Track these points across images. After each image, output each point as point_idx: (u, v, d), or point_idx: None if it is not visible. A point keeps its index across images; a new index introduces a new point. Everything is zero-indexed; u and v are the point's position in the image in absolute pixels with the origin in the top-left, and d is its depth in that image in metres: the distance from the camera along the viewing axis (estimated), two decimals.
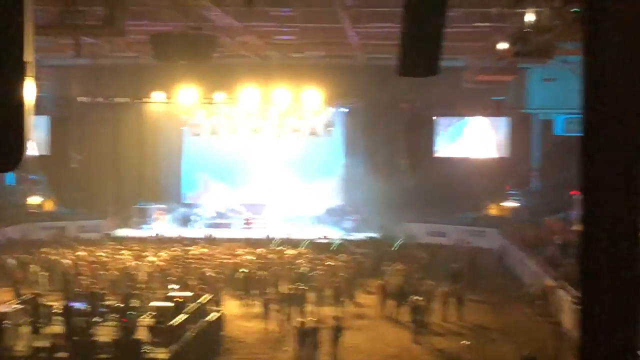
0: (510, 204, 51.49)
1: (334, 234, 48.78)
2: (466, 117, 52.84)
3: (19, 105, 3.09)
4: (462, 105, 51.04)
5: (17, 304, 25.47)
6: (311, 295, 29.97)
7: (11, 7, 3.02)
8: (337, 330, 24.46)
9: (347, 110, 55.56)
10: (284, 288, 30.26)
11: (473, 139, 52.92)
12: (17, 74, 3.11)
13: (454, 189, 49.65)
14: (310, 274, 33.40)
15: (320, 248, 41.31)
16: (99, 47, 40.51)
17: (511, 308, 31.19)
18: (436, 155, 52.57)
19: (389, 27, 31.41)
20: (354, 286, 33.46)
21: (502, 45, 31.31)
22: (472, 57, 43.42)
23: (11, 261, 37.38)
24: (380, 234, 49.79)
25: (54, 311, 24.82)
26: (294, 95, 52.14)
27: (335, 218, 53.68)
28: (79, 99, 52.18)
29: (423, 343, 26.25)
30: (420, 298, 27.78)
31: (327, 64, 48.62)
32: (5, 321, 22.71)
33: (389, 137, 52.58)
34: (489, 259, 41.91)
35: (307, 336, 23.54)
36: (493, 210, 51.80)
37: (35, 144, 51.94)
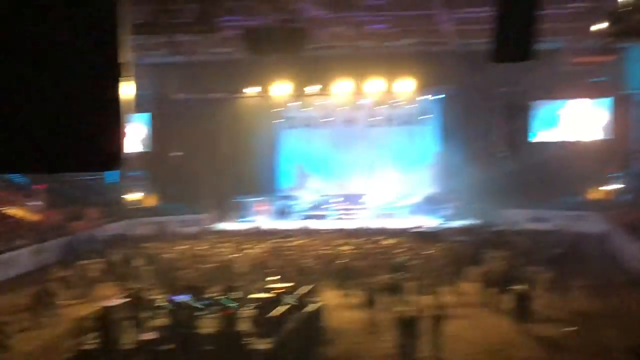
0: (611, 187, 50.26)
1: (432, 223, 48.44)
2: (565, 100, 51.63)
3: (116, 105, 3.12)
4: (560, 88, 49.90)
5: (122, 298, 26.08)
6: (410, 285, 29.75)
7: (105, 8, 3.05)
8: (438, 320, 24.25)
9: (442, 97, 55.04)
10: (383, 278, 30.13)
11: (572, 122, 51.72)
12: (113, 74, 3.13)
13: (553, 174, 48.75)
14: (409, 263, 33.20)
15: (419, 237, 40.97)
16: (193, 44, 41.14)
17: (617, 293, 30.33)
18: (535, 140, 51.51)
19: (483, 12, 30.96)
20: (454, 274, 33.12)
21: (600, 26, 30.45)
22: (570, 38, 42.44)
23: (115, 257, 38.42)
24: (479, 221, 49.23)
25: (157, 305, 25.32)
26: (387, 84, 51.97)
27: (433, 206, 53.27)
28: (177, 95, 53.08)
29: (526, 331, 25.82)
30: (523, 285, 27.29)
31: (420, 51, 48.22)
32: (111, 316, 23.29)
33: (486, 123, 51.86)
34: (591, 243, 40.87)
35: (407, 326, 23.39)
36: (594, 194, 50.65)
37: (135, 142, 53.17)
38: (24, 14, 2.97)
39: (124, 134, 3.23)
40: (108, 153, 3.15)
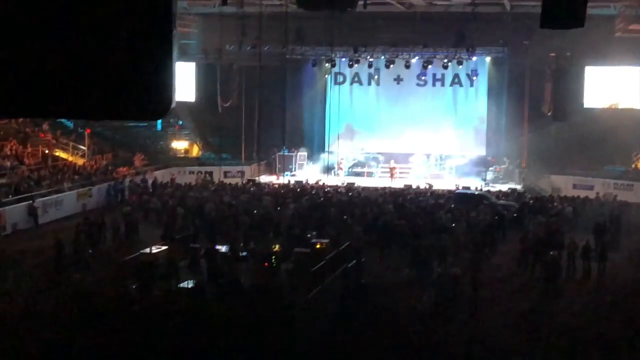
0: None
1: (477, 185, 48.17)
2: (617, 67, 50.64)
3: (169, 53, 3.10)
4: (613, 54, 48.91)
5: (164, 245, 26.34)
6: (451, 246, 29.67)
7: None
8: (475, 282, 24.23)
9: (492, 59, 54.38)
10: (425, 239, 30.07)
11: (624, 89, 50.74)
12: (167, 23, 3.12)
13: (601, 141, 48.06)
14: (453, 225, 33.08)
15: (462, 199, 40.69)
16: None
17: None
18: (585, 105, 50.69)
19: None
20: (495, 238, 32.97)
21: None
22: (625, 5, 41.57)
23: (159, 204, 38.83)
24: (523, 185, 48.88)
25: (198, 253, 25.53)
26: (436, 44, 51.56)
27: (478, 168, 52.91)
28: (226, 46, 53.05)
29: (556, 298, 25.57)
30: (555, 253, 26.91)
31: (471, 12, 47.50)
32: (151, 262, 23.56)
33: (536, 87, 51.18)
34: (637, 213, 40.33)
35: (444, 286, 23.43)
36: None
37: (180, 91, 53.35)
38: None
39: (174, 83, 3.22)
40: (158, 102, 3.13)
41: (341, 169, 53.97)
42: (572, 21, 8.84)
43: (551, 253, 26.84)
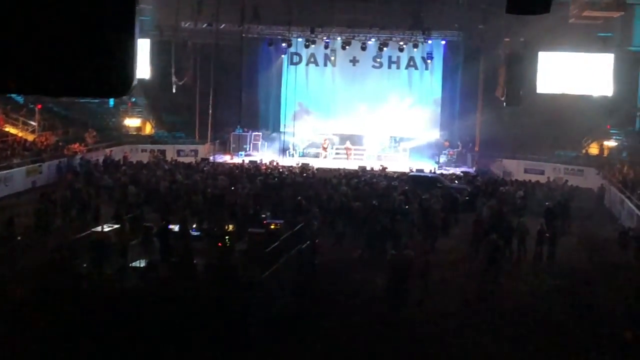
0: (611, 143, 50.25)
1: (429, 167, 48.47)
2: (570, 53, 51.21)
3: (131, 30, 3.02)
4: (567, 40, 49.48)
5: (115, 224, 26.08)
6: (405, 229, 29.78)
7: None
8: (427, 264, 24.37)
9: (447, 42, 54.65)
10: (378, 220, 30.14)
11: (576, 75, 51.35)
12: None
13: (553, 126, 48.71)
14: (405, 207, 33.21)
15: (416, 181, 40.89)
16: None
17: (607, 250, 30.33)
18: (538, 91, 51.22)
19: None
20: (448, 221, 33.21)
21: None
22: None
23: (110, 181, 38.42)
24: (475, 168, 49.32)
25: (150, 232, 25.30)
26: (392, 26, 51.66)
27: (432, 151, 53.32)
28: (182, 24, 52.58)
29: (500, 281, 25.74)
30: (494, 236, 27.01)
31: None
32: (102, 240, 23.30)
33: (490, 71, 51.56)
34: (586, 198, 40.95)
35: (398, 268, 23.51)
36: (593, 149, 50.69)
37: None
38: None
39: (136, 60, 3.14)
40: (120, 79, 3.06)
41: (325, 148, 53.81)
42: (538, 7, 8.85)
43: (491, 236, 26.83)
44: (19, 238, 25.94)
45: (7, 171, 39.03)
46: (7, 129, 47.57)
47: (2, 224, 27.02)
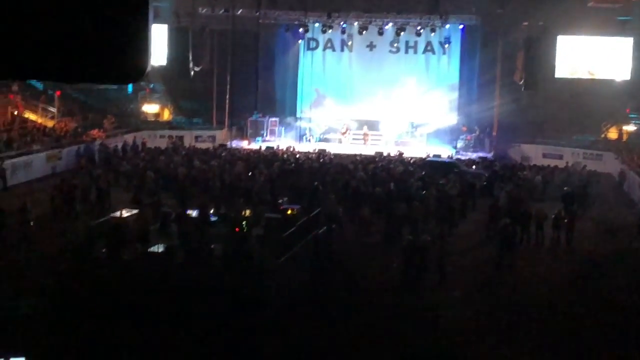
0: (630, 127, 49.90)
1: (447, 152, 48.35)
2: (590, 37, 50.81)
3: (145, 14, 3.06)
4: (586, 24, 49.07)
5: (133, 209, 26.23)
6: (422, 214, 29.75)
7: None
8: (445, 250, 24.39)
9: (465, 26, 54.37)
10: (395, 206, 30.13)
11: (595, 59, 50.98)
12: None
13: (572, 111, 48.36)
14: (422, 192, 33.14)
15: (433, 167, 40.80)
16: None
17: (626, 235, 30.06)
18: (556, 75, 50.89)
19: None
20: (465, 206, 33.15)
21: None
22: None
23: (129, 167, 38.55)
24: (493, 154, 49.15)
25: (168, 218, 25.44)
26: (409, 11, 51.52)
27: (449, 137, 53.16)
28: (199, 9, 52.61)
29: (509, 264, 25.65)
30: (507, 221, 26.86)
31: None
32: (120, 226, 23.45)
33: (508, 56, 51.22)
34: (605, 183, 40.72)
35: (415, 254, 23.54)
36: (612, 134, 50.36)
37: (153, 54, 52.78)
38: None
39: (150, 46, 3.18)
40: (134, 65, 3.10)
41: (344, 134, 53.70)
42: None
43: (505, 221, 26.72)
44: (31, 223, 25.99)
45: (27, 157, 39.26)
46: (26, 116, 47.83)
47: (16, 211, 27.06)
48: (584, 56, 50.95)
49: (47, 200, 30.88)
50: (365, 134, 53.40)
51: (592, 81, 50.69)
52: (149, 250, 22.56)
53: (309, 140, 53.69)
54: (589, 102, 48.36)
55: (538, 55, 47.57)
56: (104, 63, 3.15)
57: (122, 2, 3.08)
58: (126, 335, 17.93)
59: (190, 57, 49.92)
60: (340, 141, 53.36)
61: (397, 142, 52.35)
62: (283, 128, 55.27)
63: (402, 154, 46.98)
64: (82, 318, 18.71)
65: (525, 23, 49.95)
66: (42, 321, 18.58)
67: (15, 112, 46.87)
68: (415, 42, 55.37)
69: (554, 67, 50.80)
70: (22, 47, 3.07)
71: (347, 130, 53.97)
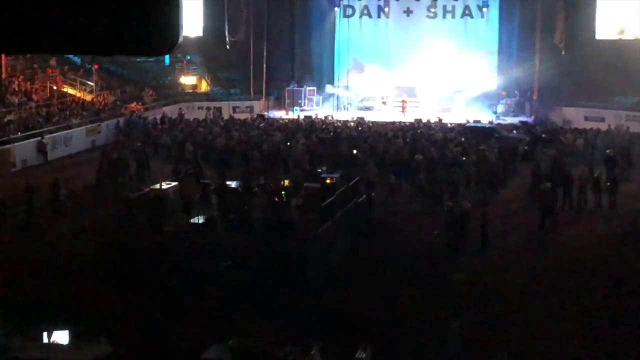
0: None
1: (487, 118, 47.92)
2: None
3: None
4: None
5: (173, 181, 26.36)
6: (462, 180, 29.57)
7: None
8: (485, 215, 24.21)
9: None
10: (435, 173, 29.95)
11: (635, 20, 49.98)
12: None
13: (613, 72, 47.44)
14: (463, 158, 32.88)
15: (473, 132, 40.45)
16: None
17: None
18: (597, 37, 50.05)
19: None
20: (507, 171, 32.87)
21: None
22: None
23: (168, 140, 38.73)
24: (534, 118, 48.61)
25: (208, 189, 25.52)
26: None
27: (488, 101, 52.58)
28: None
29: (551, 229, 25.42)
30: (548, 184, 26.58)
31: None
32: (161, 198, 23.59)
33: (547, 18, 50.45)
34: None
35: (457, 220, 23.42)
36: None
37: (189, 25, 52.86)
38: None
39: (182, 17, 3.08)
40: (165, 36, 3.01)
41: (385, 103, 53.34)
42: None
43: (546, 185, 26.50)
44: (62, 199, 26.18)
45: (67, 131, 39.63)
46: (65, 90, 48.18)
47: (49, 186, 27.32)
48: (625, 16, 49.97)
49: (88, 173, 31.17)
50: (403, 101, 52.98)
51: (633, 42, 49.75)
52: (190, 221, 22.69)
53: (347, 109, 53.47)
54: (631, 63, 47.48)
55: (578, 17, 46.84)
56: (134, 34, 3.08)
57: None
58: (168, 306, 18.08)
59: (226, 28, 49.89)
60: (381, 109, 52.96)
61: (436, 109, 51.94)
62: (321, 97, 55.10)
63: (442, 120, 46.64)
64: (125, 290, 18.89)
65: None
66: (85, 294, 18.79)
67: (54, 87, 47.21)
68: (453, 7, 54.77)
69: (594, 28, 49.95)
70: (55, 20, 3.01)
71: (386, 98, 53.58)
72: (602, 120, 45.84)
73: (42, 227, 24.94)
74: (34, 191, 26.36)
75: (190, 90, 56.17)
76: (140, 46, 3.15)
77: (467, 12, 54.90)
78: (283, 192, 24.21)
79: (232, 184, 25.97)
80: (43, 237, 23.92)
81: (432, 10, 54.86)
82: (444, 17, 55.27)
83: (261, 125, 44.50)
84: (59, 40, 3.05)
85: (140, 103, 48.28)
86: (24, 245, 23.15)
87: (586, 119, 47.30)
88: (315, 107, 53.78)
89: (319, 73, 56.71)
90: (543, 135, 39.97)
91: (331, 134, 40.08)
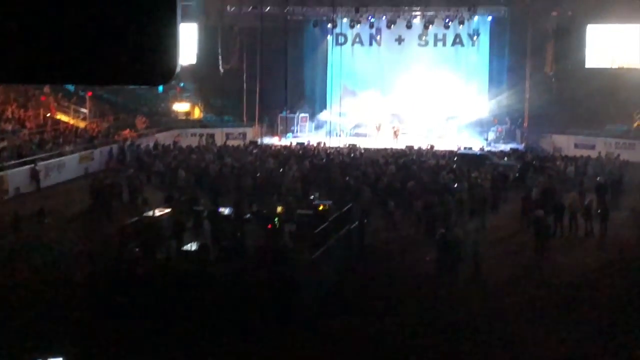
0: None
1: (478, 145, 48.13)
2: (619, 25, 50.22)
3: (173, 15, 3.09)
4: (615, 13, 48.50)
5: (166, 208, 26.35)
6: (454, 207, 29.66)
7: None
8: (478, 243, 24.29)
9: (493, 18, 54.10)
10: (426, 199, 30.05)
11: (625, 48, 50.43)
12: None
13: (603, 100, 47.78)
14: (454, 185, 33.04)
15: (464, 159, 40.64)
16: None
17: None
18: (586, 65, 50.43)
19: None
20: (498, 198, 32.98)
21: None
22: None
23: (161, 166, 38.79)
24: (524, 144, 48.86)
25: (201, 216, 25.54)
26: (437, 5, 51.38)
27: (480, 128, 52.88)
28: (227, 8, 52.79)
29: (545, 256, 25.52)
30: (540, 212, 26.73)
31: None
32: (153, 225, 23.58)
33: (537, 46, 50.88)
34: (638, 173, 40.25)
35: (449, 247, 23.49)
36: None
37: (182, 53, 53.02)
38: None
39: (179, 46, 3.19)
40: (163, 66, 3.12)
41: (379, 130, 53.42)
42: None
43: (537, 212, 26.66)
44: (46, 221, 26.38)
45: (60, 158, 39.62)
46: (58, 117, 48.24)
47: (34, 214, 27.72)
48: (614, 45, 50.38)
49: (80, 200, 31.19)
50: (394, 128, 53.19)
51: (623, 70, 50.12)
52: (182, 248, 22.67)
53: (340, 136, 53.67)
54: (621, 91, 47.81)
55: (568, 46, 47.20)
56: (132, 65, 3.18)
57: (150, 2, 3.12)
58: (160, 333, 18.07)
59: (220, 55, 50.09)
60: (372, 136, 53.13)
61: (427, 136, 52.15)
62: (313, 124, 55.32)
63: (433, 147, 46.86)
64: (118, 317, 18.88)
65: (554, 13, 49.57)
66: (79, 322, 18.77)
67: (48, 114, 47.28)
68: (444, 35, 55.21)
69: (584, 56, 50.37)
70: (52, 51, 3.11)
71: (380, 126, 53.79)
72: (593, 147, 46.11)
73: (31, 254, 24.91)
74: (19, 220, 26.63)
75: (184, 117, 56.31)
76: (138, 77, 3.26)
77: (457, 41, 55.33)
78: (276, 219, 24.25)
79: (225, 210, 25.99)
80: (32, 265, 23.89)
81: (424, 38, 55.30)
82: (435, 45, 55.72)
83: (254, 151, 44.61)
84: (56, 72, 3.15)
85: (133, 130, 48.34)
86: (14, 273, 23.08)
87: (576, 146, 47.57)
88: (308, 133, 53.98)
89: (312, 100, 57.01)
90: (534, 162, 40.15)
91: (324, 160, 40.21)
